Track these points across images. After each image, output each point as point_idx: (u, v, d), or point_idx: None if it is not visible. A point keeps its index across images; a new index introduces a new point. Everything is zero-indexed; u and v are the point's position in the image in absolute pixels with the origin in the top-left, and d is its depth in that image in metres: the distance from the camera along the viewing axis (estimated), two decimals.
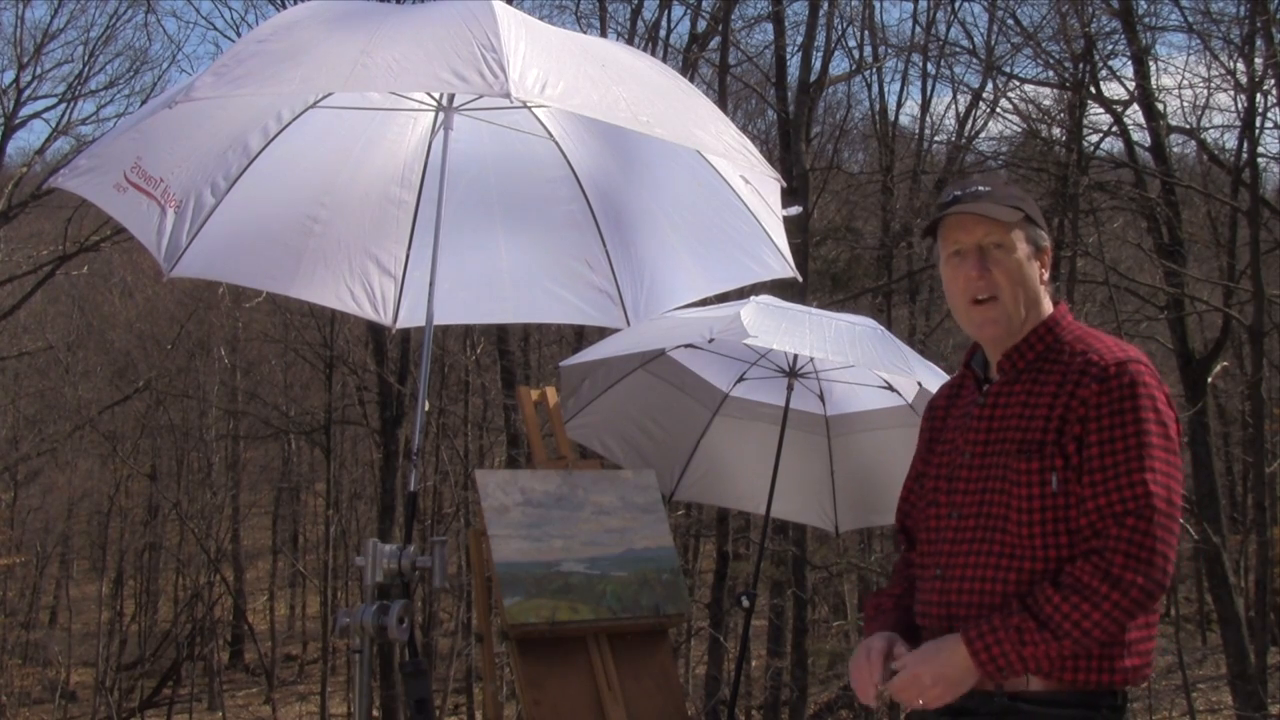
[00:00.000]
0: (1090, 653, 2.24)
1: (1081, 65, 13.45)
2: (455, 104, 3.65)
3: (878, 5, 28.97)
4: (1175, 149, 14.87)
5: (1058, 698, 2.25)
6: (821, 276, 15.98)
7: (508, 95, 2.74)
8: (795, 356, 4.96)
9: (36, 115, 21.29)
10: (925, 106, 16.67)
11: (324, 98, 3.70)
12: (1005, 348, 2.44)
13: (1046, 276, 2.46)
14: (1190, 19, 13.97)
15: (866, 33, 16.29)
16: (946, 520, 2.44)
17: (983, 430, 2.43)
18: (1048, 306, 2.46)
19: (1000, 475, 2.35)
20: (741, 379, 5.25)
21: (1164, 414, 2.28)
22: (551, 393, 4.10)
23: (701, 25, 16.28)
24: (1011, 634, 2.20)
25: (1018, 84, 15.32)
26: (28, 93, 18.25)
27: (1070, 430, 2.28)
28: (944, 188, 2.59)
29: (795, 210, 4.84)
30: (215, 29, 51.87)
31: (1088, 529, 2.24)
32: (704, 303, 4.49)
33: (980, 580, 2.33)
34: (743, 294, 4.97)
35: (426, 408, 3.75)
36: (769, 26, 15.67)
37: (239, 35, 17.03)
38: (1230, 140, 15.09)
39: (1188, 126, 14.50)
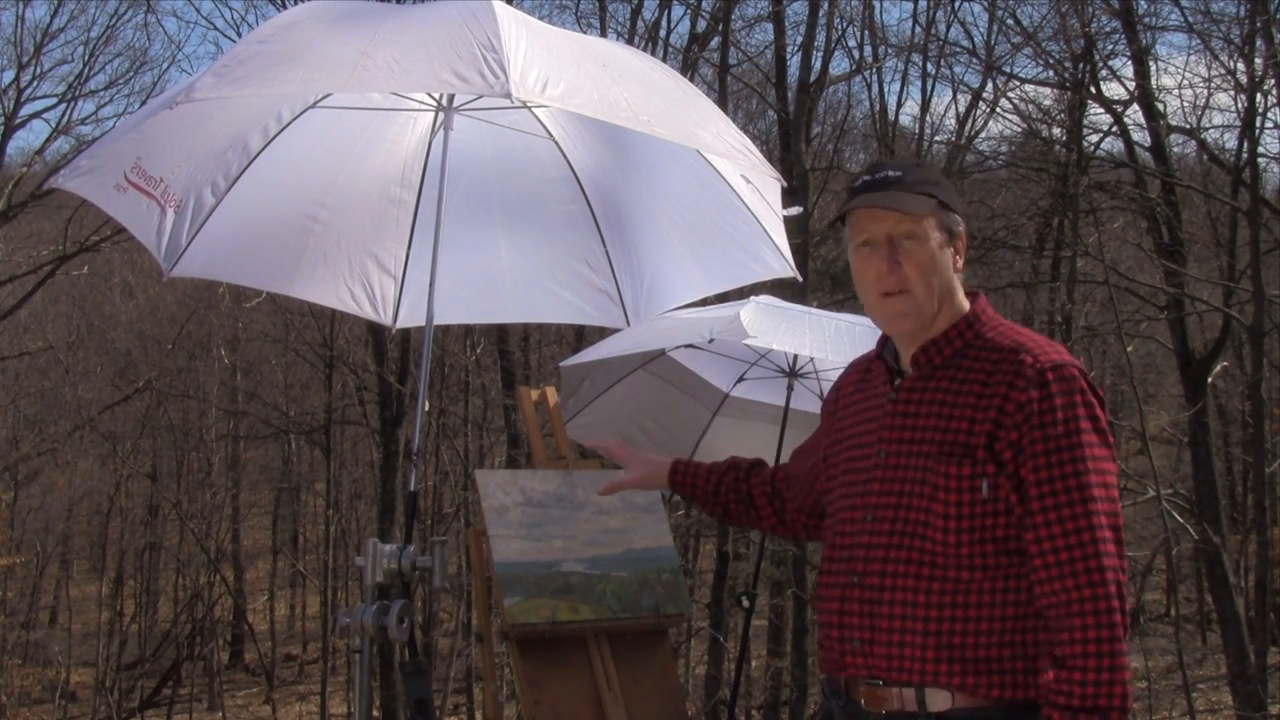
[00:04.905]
0: (1015, 667, 2.18)
1: (1081, 65, 13.45)
2: (455, 104, 3.65)
3: (878, 5, 28.99)
4: (1175, 149, 14.89)
5: (981, 713, 2.19)
6: (821, 276, 15.98)
7: (509, 95, 2.73)
8: (795, 356, 4.97)
9: (36, 115, 21.37)
10: (925, 106, 16.62)
11: (324, 98, 3.70)
12: (920, 341, 2.35)
13: (961, 263, 2.37)
14: (1190, 19, 14.00)
15: (866, 33, 16.28)
16: (861, 523, 2.33)
17: (896, 428, 2.33)
18: (963, 298, 2.37)
19: (920, 478, 2.26)
20: (742, 379, 5.26)
21: (1099, 417, 2.22)
22: (551, 393, 4.09)
23: (701, 25, 16.29)
24: None
25: (1018, 84, 15.34)
26: (28, 93, 18.30)
27: (1006, 436, 2.20)
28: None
29: (796, 210, 4.85)
30: (215, 29, 52.00)
31: (1042, 568, 2.17)
32: (704, 303, 4.49)
33: (904, 590, 2.24)
34: (743, 294, 4.97)
35: (426, 408, 3.75)
36: (769, 26, 15.68)
37: (239, 35, 17.05)
38: (1230, 140, 15.13)
39: (1188, 126, 14.53)
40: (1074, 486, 2.16)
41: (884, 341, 2.48)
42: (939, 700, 2.20)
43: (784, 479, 2.79)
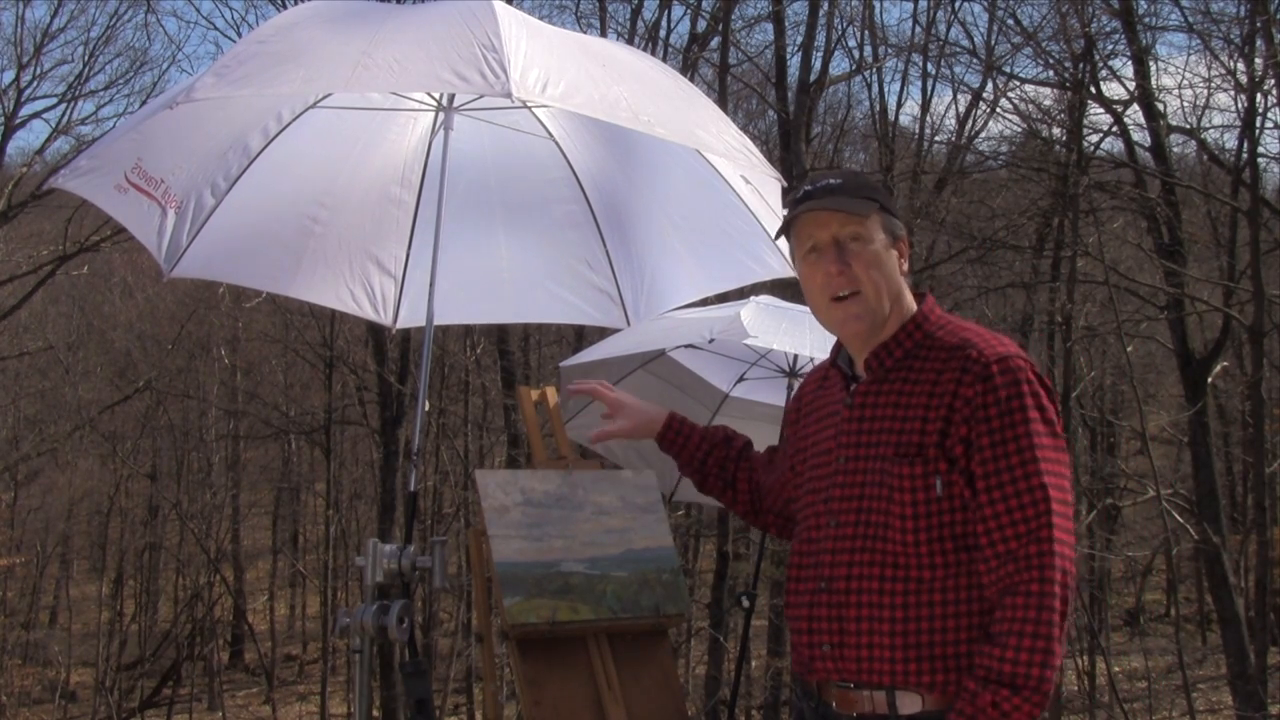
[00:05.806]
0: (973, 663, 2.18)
1: (1081, 65, 13.45)
2: (455, 104, 3.65)
3: (878, 5, 28.98)
4: (1175, 149, 14.91)
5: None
6: None
7: (509, 95, 2.73)
8: (795, 356, 4.97)
9: (36, 115, 21.41)
10: (925, 106, 16.64)
11: (324, 98, 3.70)
12: (871, 345, 2.37)
13: (906, 266, 2.41)
14: (1190, 19, 14.01)
15: (866, 33, 16.29)
16: (825, 529, 2.34)
17: (853, 433, 2.35)
18: (911, 299, 2.41)
19: (878, 480, 2.28)
20: (742, 379, 5.25)
21: (1047, 408, 2.23)
22: (551, 392, 4.08)
23: (701, 25, 16.31)
24: (992, 713, 2.09)
25: (1018, 84, 15.35)
26: (28, 93, 18.30)
27: (956, 432, 2.21)
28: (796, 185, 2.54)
29: None
30: (215, 29, 52.07)
31: (991, 557, 2.17)
32: (704, 303, 4.49)
33: (869, 593, 2.25)
34: (743, 294, 4.97)
35: (426, 408, 3.75)
36: (769, 26, 15.70)
37: (239, 35, 17.06)
38: (1230, 140, 15.16)
39: (1188, 126, 14.54)
40: (1020, 477, 2.17)
41: (837, 349, 2.51)
42: (909, 703, 2.21)
43: (763, 475, 2.82)
